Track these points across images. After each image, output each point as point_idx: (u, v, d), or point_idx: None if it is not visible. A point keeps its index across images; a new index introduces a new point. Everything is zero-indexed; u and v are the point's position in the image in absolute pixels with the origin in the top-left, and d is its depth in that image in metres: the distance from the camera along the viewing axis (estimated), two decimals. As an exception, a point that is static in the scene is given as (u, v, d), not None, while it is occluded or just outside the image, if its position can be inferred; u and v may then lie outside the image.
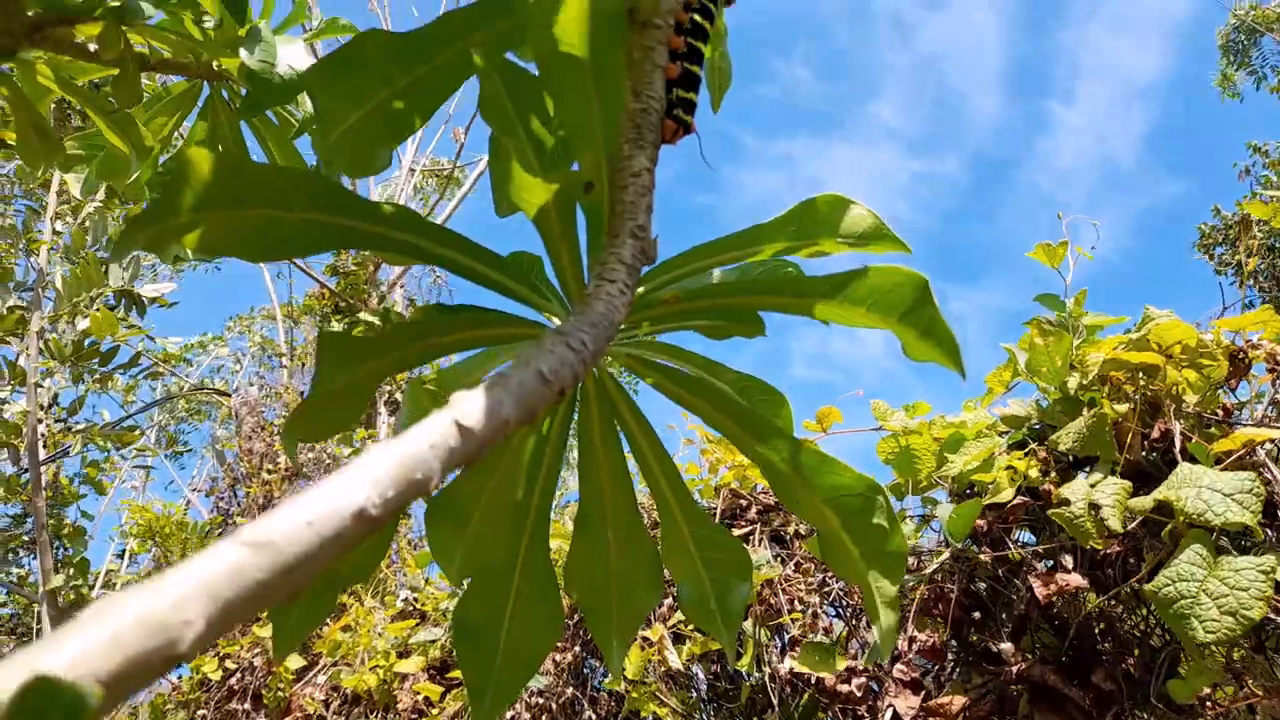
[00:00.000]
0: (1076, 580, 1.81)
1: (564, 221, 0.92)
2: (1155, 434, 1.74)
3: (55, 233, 5.97)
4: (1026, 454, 1.91)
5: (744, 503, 2.73)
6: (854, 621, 2.46)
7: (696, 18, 0.95)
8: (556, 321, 0.99)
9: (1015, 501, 1.89)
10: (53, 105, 2.22)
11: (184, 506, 9.77)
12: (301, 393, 9.19)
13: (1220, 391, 1.86)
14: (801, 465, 0.97)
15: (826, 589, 2.47)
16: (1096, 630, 2.09)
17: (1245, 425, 1.75)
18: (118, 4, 1.66)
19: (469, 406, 0.61)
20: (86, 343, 5.15)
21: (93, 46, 1.87)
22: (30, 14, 1.72)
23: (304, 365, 9.53)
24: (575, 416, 1.00)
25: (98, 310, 5.03)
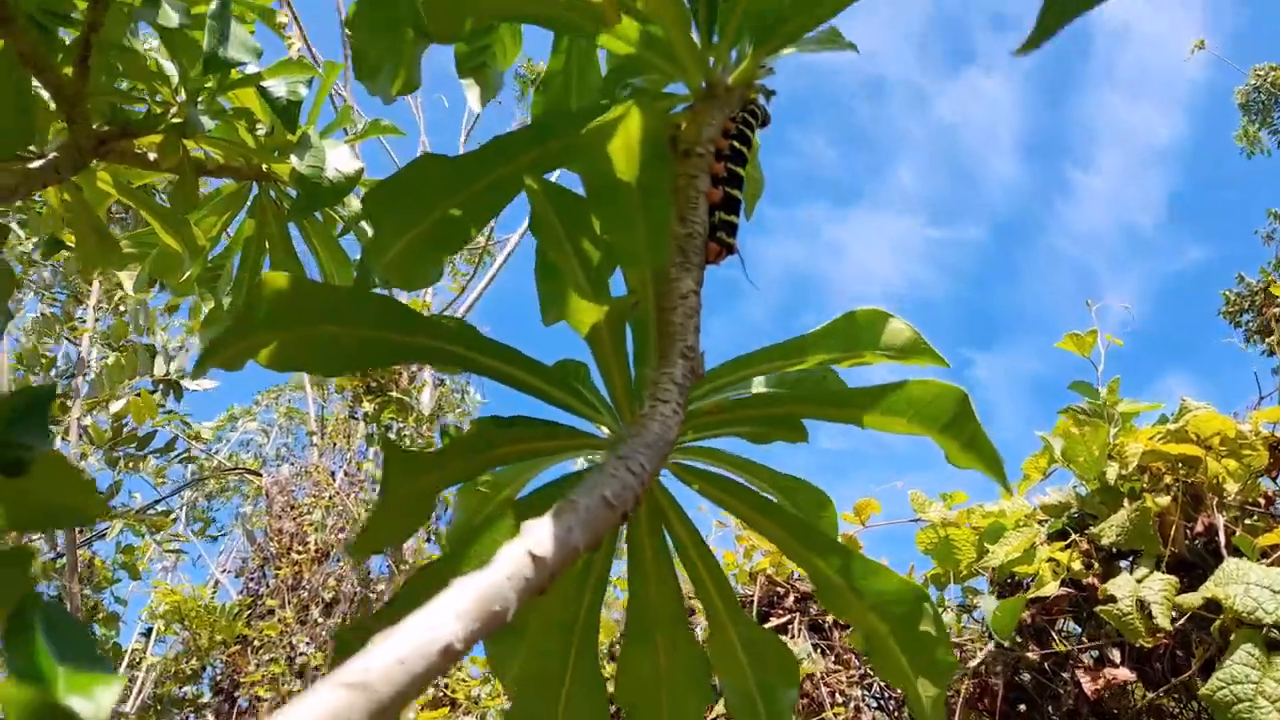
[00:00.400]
0: (1124, 674, 1.78)
1: (614, 339, 0.96)
2: (1199, 527, 1.73)
3: (95, 319, 6.14)
4: (1068, 545, 1.90)
5: (781, 590, 2.71)
6: (897, 714, 2.41)
7: (735, 144, 1.00)
8: (607, 432, 1.02)
9: (1058, 593, 1.87)
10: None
11: (213, 587, 9.78)
12: (332, 472, 9.23)
13: (1260, 481, 1.85)
14: (850, 573, 0.98)
15: (868, 681, 2.43)
16: (1146, 725, 2.04)
17: (1290, 516, 1.73)
18: (180, 120, 1.76)
19: (540, 536, 0.64)
20: (125, 427, 5.25)
21: (152, 155, 1.97)
22: (96, 128, 1.82)
23: (334, 444, 9.60)
24: (624, 527, 1.03)
25: (136, 395, 5.14)
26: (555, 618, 0.99)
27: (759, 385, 1.09)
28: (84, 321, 6.08)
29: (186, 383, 4.54)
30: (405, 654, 0.50)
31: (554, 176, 1.16)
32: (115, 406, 5.16)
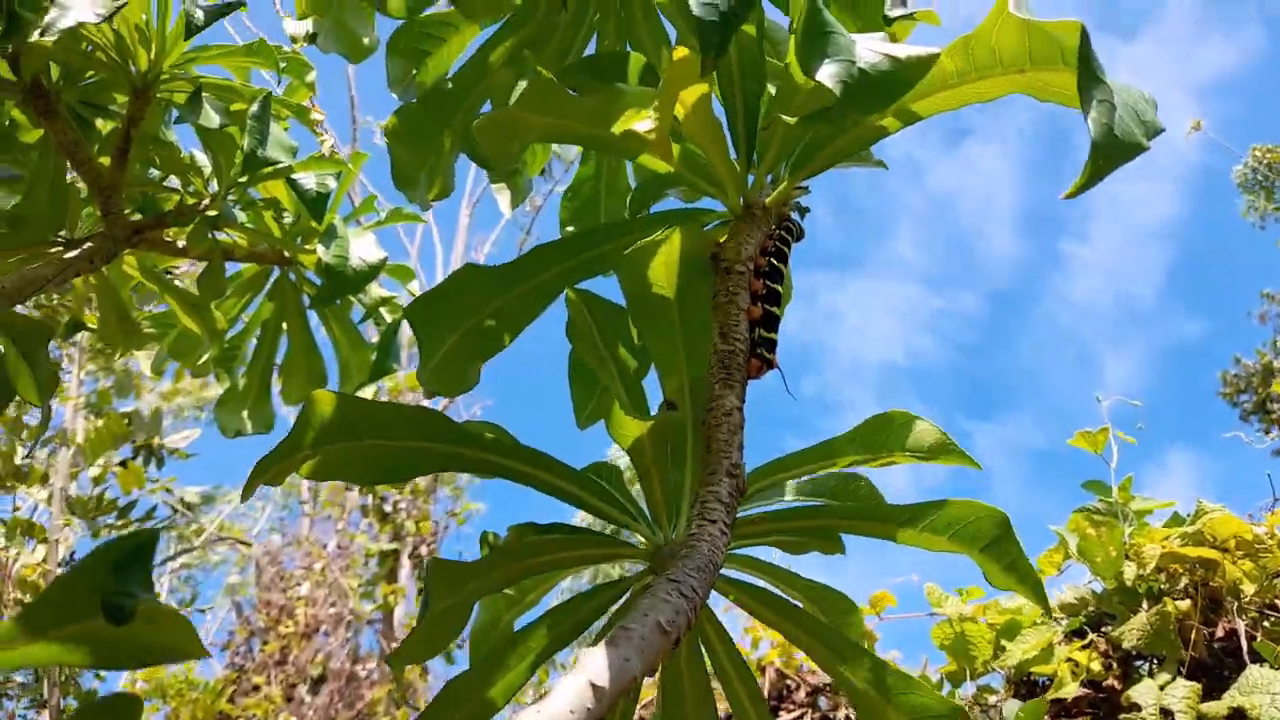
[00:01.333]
0: (1146, 782, 1.75)
1: (656, 449, 0.97)
2: (1220, 631, 1.73)
3: (80, 383, 6.13)
4: (1086, 645, 1.89)
5: (791, 683, 2.67)
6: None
7: (774, 261, 1.03)
8: (643, 541, 1.02)
9: (1077, 694, 1.85)
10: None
11: (197, 661, 9.56)
12: (324, 544, 9.11)
13: (1278, 582, 1.85)
14: (885, 686, 0.98)
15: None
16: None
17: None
18: (214, 213, 1.79)
19: (599, 666, 0.64)
20: (105, 496, 5.21)
21: (181, 243, 2.01)
22: (128, 214, 1.85)
23: (328, 515, 9.50)
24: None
25: (122, 465, 5.11)
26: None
27: (791, 490, 1.10)
28: (68, 389, 6.06)
29: (168, 443, 4.54)
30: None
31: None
32: (93, 472, 5.12)
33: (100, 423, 5.09)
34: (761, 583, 1.08)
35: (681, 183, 1.12)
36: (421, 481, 8.66)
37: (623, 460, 1.19)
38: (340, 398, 0.90)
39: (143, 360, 2.32)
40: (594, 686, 0.63)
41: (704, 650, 1.03)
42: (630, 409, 0.93)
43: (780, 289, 1.02)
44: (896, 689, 0.98)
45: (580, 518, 1.41)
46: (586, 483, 1.02)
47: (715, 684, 1.10)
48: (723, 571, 1.05)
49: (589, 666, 0.64)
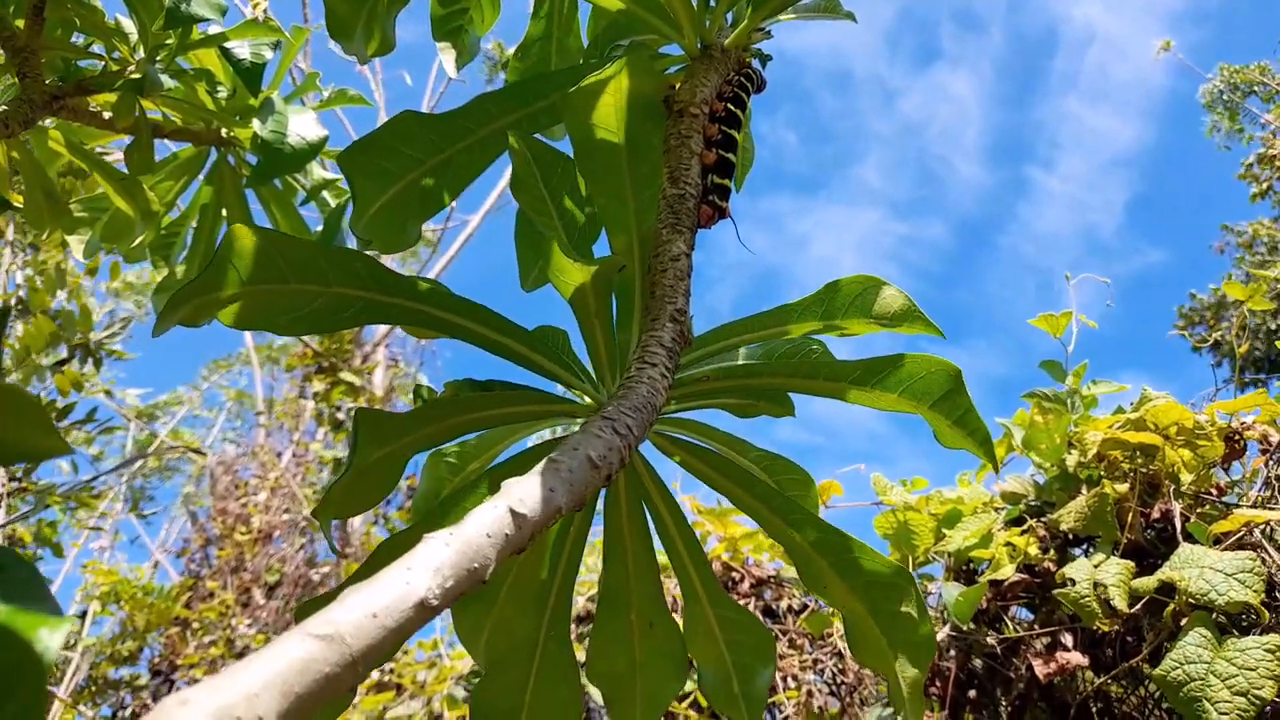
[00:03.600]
0: (1077, 659, 1.80)
1: (600, 301, 0.93)
2: (1155, 514, 1.76)
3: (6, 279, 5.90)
4: (1025, 531, 1.92)
5: (736, 575, 2.71)
6: (848, 699, 2.42)
7: (730, 106, 0.98)
8: (587, 399, 0.99)
9: (1014, 578, 1.89)
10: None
11: (153, 567, 9.53)
12: (278, 454, 9.06)
13: (1214, 471, 1.89)
14: (829, 549, 0.97)
15: (820, 666, 2.44)
16: (1094, 709, 2.07)
17: (1241, 506, 1.77)
18: (137, 76, 1.69)
19: (522, 494, 0.61)
20: (44, 399, 5.07)
21: (107, 114, 1.89)
22: (49, 84, 1.74)
23: (282, 425, 9.41)
24: (600, 496, 1.00)
25: (58, 367, 4.95)
26: (527, 589, 0.96)
27: (743, 356, 1.08)
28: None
29: (107, 344, 4.39)
30: (379, 607, 0.47)
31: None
32: (17, 375, 4.96)
33: (30, 324, 4.92)
34: (711, 446, 1.06)
35: (636, 26, 1.06)
36: (379, 389, 8.58)
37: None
38: (260, 231, 0.84)
39: (74, 244, 2.21)
40: (514, 513, 0.59)
41: (648, 512, 1.01)
42: (573, 254, 0.88)
43: (737, 136, 0.98)
44: (843, 553, 0.97)
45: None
46: (528, 338, 0.98)
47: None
48: (670, 433, 1.02)
49: (511, 494, 0.61)
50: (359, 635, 0.46)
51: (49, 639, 0.37)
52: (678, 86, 0.97)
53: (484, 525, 0.57)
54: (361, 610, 0.47)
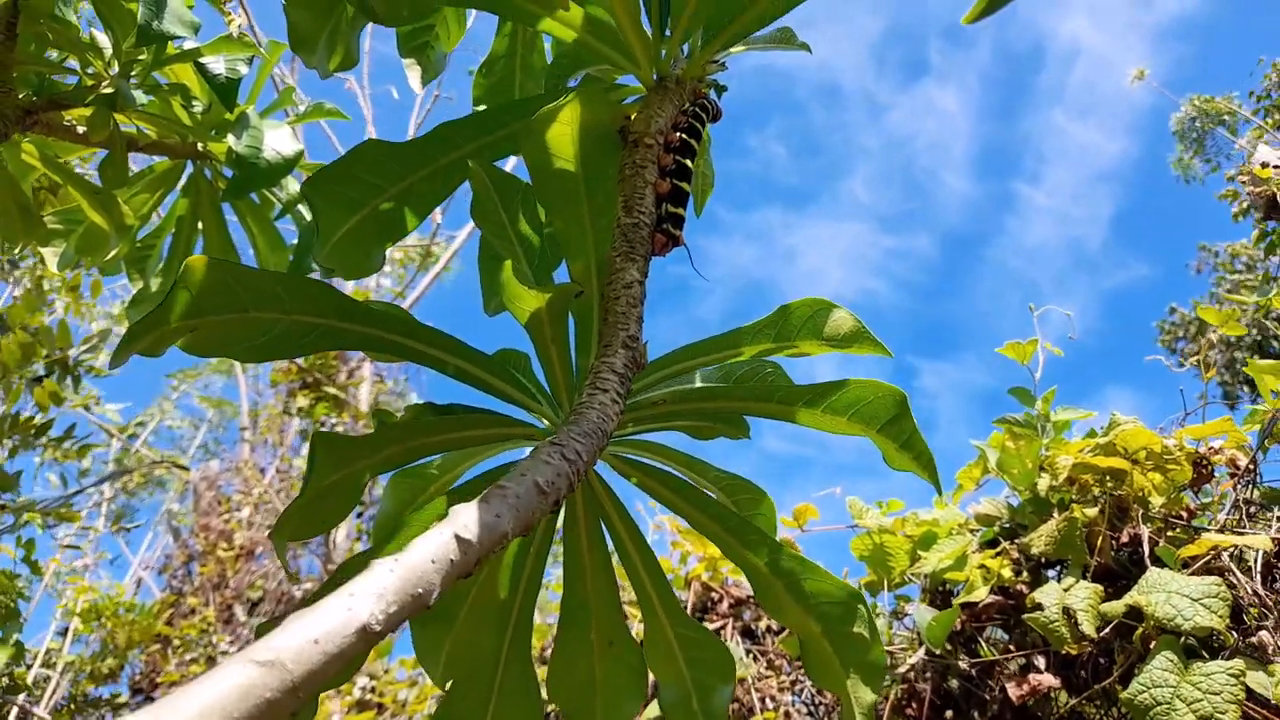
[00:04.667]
0: (1049, 680, 1.81)
1: (555, 327, 0.94)
2: (1124, 537, 1.78)
3: None
4: (998, 554, 1.93)
5: (715, 595, 2.71)
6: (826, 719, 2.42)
7: (684, 136, 0.99)
8: (545, 423, 1.00)
9: (988, 600, 1.90)
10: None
11: (136, 584, 9.45)
12: (261, 469, 9.02)
13: (1184, 494, 1.90)
14: (784, 571, 0.98)
15: (799, 687, 2.44)
16: (1068, 732, 2.07)
17: (1209, 530, 1.78)
18: (110, 91, 1.69)
19: (468, 520, 0.61)
20: (20, 415, 5.03)
21: (81, 129, 1.89)
22: (23, 98, 1.74)
23: (266, 440, 9.38)
24: (560, 517, 1.01)
25: (37, 382, 4.92)
26: (488, 607, 0.97)
27: (700, 379, 1.08)
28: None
29: (85, 359, 4.38)
30: (320, 633, 0.48)
31: (507, 166, 1.14)
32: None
33: (10, 340, 4.90)
34: (669, 469, 1.07)
35: (594, 55, 1.07)
36: (363, 405, 8.56)
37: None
38: (215, 262, 0.84)
39: (48, 257, 2.20)
40: (459, 539, 0.60)
41: (607, 532, 1.01)
42: (528, 279, 0.89)
43: (690, 165, 0.99)
44: (797, 574, 0.98)
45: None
46: (486, 363, 0.99)
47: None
48: (628, 454, 1.03)
49: (457, 520, 0.62)
50: (300, 661, 0.46)
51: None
52: (633, 117, 0.98)
53: (429, 551, 0.58)
54: (303, 636, 0.47)
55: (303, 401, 8.04)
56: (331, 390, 8.03)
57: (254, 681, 0.44)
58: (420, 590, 0.56)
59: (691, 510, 0.99)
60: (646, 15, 1.00)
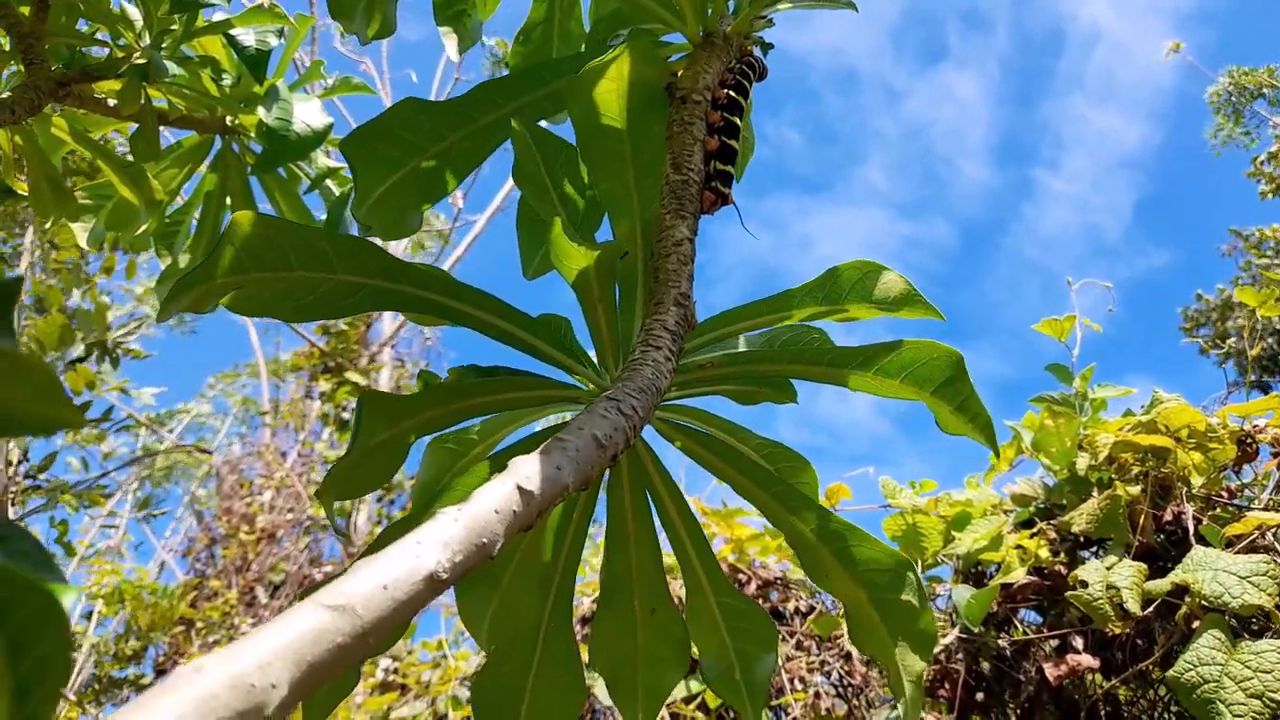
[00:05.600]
0: (1088, 661, 1.78)
1: (603, 286, 0.92)
2: (1167, 516, 1.74)
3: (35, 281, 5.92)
4: (1035, 534, 1.90)
5: (743, 577, 2.69)
6: (855, 701, 2.40)
7: (732, 93, 0.97)
8: (589, 385, 0.98)
9: (1024, 581, 1.87)
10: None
11: (159, 568, 9.55)
12: (283, 453, 9.07)
13: (1225, 474, 1.87)
14: (832, 537, 0.96)
15: (827, 668, 2.42)
16: (1103, 713, 2.05)
17: (1253, 509, 1.75)
18: (142, 62, 1.68)
19: (529, 471, 0.60)
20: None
21: (112, 102, 1.89)
22: (55, 70, 1.73)
23: (288, 424, 9.43)
24: (605, 479, 0.99)
25: (71, 366, 4.96)
26: (532, 571, 0.95)
27: (745, 343, 1.06)
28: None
29: (125, 344, 4.41)
30: (389, 579, 0.46)
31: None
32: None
33: (42, 321, 4.94)
34: (712, 433, 1.05)
35: (639, 14, 1.04)
36: (385, 387, 8.58)
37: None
38: (261, 218, 0.83)
39: (77, 232, 2.20)
40: (521, 490, 0.58)
41: (650, 499, 1.00)
42: (575, 236, 0.87)
43: (738, 123, 0.96)
44: (845, 539, 0.96)
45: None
46: (531, 325, 0.97)
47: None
48: (671, 419, 1.01)
49: (519, 471, 0.60)
50: (370, 607, 0.45)
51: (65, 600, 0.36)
52: (680, 74, 0.96)
53: (492, 501, 0.56)
54: (373, 582, 0.46)
55: (324, 386, 8.08)
56: (353, 375, 8.05)
57: (326, 625, 0.42)
58: (485, 540, 0.54)
59: (737, 475, 0.97)
60: (694, -31, 0.98)
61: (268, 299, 0.90)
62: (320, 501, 0.88)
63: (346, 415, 8.38)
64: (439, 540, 0.51)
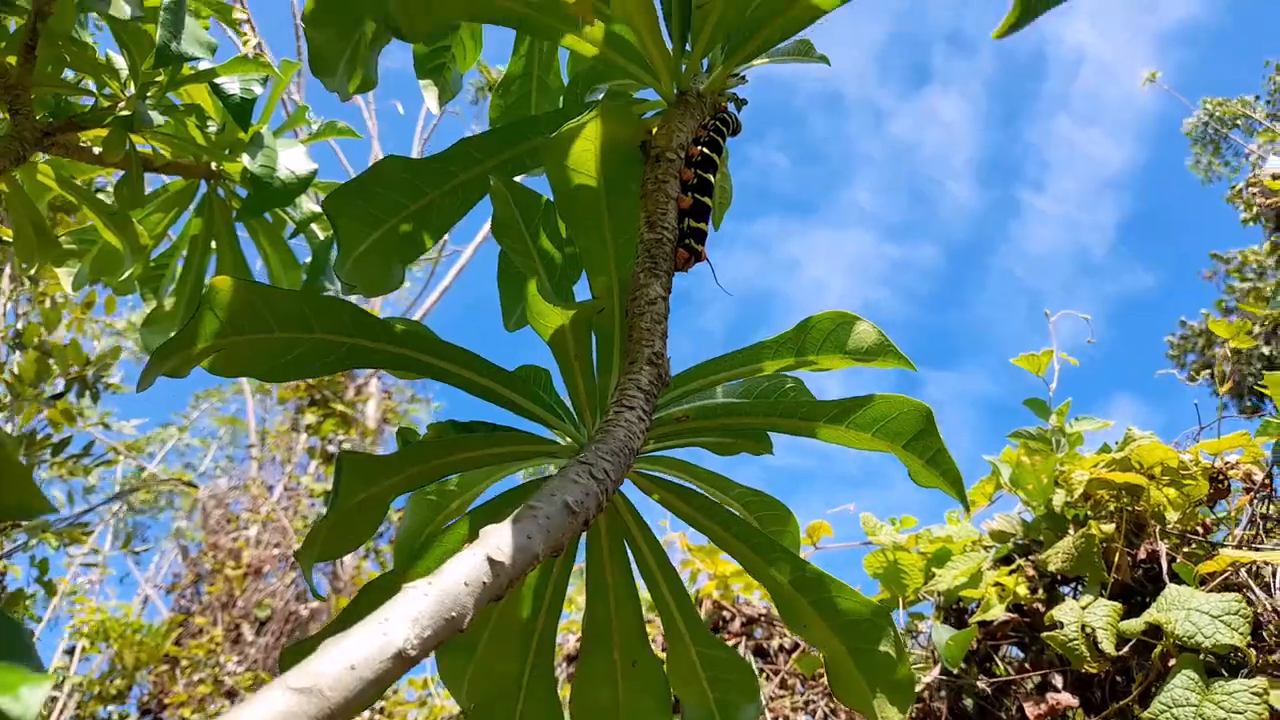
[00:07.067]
0: (1068, 699, 1.79)
1: (579, 344, 0.94)
2: (1142, 554, 1.76)
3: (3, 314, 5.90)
4: (1013, 571, 1.92)
5: (727, 614, 2.69)
6: (840, 738, 2.40)
7: (706, 150, 1.00)
8: (567, 440, 1.00)
9: (1004, 618, 1.88)
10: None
11: (143, 603, 9.43)
12: (269, 487, 9.00)
13: (1199, 509, 1.89)
14: (809, 588, 0.97)
15: (812, 707, 2.42)
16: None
17: (1226, 546, 1.77)
18: (128, 113, 1.70)
19: (499, 541, 0.61)
20: (39, 433, 5.05)
21: (97, 149, 1.90)
22: (40, 120, 1.75)
23: (274, 457, 9.37)
24: (583, 535, 1.00)
25: (51, 401, 4.93)
26: (510, 630, 0.96)
27: (722, 394, 1.08)
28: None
29: (112, 380, 4.40)
30: (357, 659, 0.47)
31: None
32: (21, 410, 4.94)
33: (24, 357, 4.91)
34: (692, 485, 1.06)
35: (614, 70, 1.07)
36: (371, 421, 8.56)
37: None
38: (241, 283, 0.85)
39: (62, 277, 2.21)
40: (492, 561, 0.60)
41: (629, 550, 1.01)
42: (552, 296, 0.89)
43: (712, 180, 0.99)
44: (822, 590, 0.97)
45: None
46: (510, 380, 0.99)
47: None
48: (650, 471, 1.03)
49: (489, 541, 0.61)
50: (337, 687, 0.46)
51: (29, 697, 0.37)
52: (654, 131, 0.98)
53: (461, 574, 0.58)
54: (340, 662, 0.47)
55: (311, 418, 8.04)
56: (339, 407, 8.03)
57: (293, 709, 0.43)
58: (454, 614, 0.55)
59: (714, 527, 0.99)
60: (667, 30, 1.00)
61: (247, 360, 0.91)
62: (300, 563, 0.89)
63: (332, 449, 8.34)
64: (408, 617, 0.52)
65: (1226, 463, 1.83)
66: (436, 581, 0.56)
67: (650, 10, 0.94)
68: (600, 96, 1.14)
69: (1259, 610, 1.69)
